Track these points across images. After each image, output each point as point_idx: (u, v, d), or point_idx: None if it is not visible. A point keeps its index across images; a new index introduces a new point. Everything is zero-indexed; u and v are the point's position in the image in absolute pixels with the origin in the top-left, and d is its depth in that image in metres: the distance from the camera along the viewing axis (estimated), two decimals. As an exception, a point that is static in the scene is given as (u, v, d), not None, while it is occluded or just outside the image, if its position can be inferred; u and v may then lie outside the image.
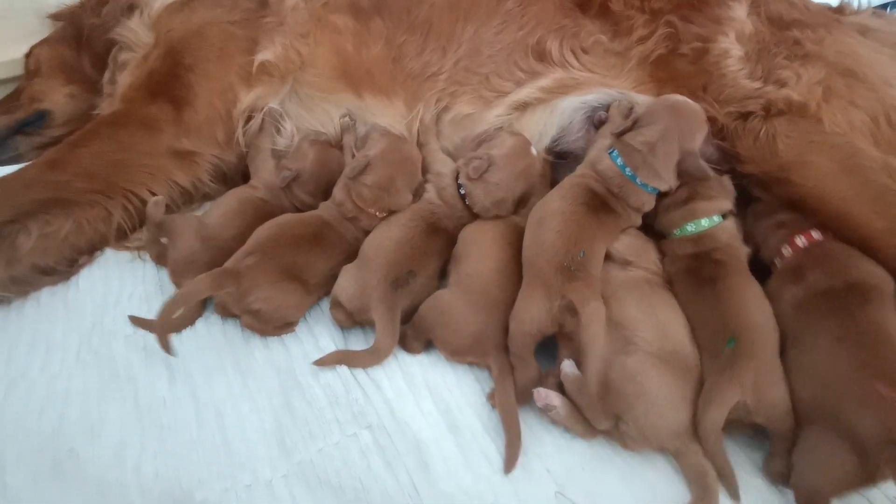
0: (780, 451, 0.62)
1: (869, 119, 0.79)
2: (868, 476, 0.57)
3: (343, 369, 0.77)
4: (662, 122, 0.77)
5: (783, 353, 0.66)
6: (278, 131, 1.07)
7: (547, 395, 0.67)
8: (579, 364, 0.68)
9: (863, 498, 0.62)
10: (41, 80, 1.26)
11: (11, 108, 1.25)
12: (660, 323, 0.67)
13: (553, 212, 0.74)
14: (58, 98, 1.25)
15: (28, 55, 1.31)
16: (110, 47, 1.21)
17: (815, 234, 0.75)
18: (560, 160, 0.98)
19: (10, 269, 0.89)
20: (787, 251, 0.74)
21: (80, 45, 1.25)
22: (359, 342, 0.83)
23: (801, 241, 0.74)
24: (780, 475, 0.62)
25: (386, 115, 1.05)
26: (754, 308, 0.66)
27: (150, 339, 0.81)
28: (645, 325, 0.66)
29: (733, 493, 0.61)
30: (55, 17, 1.33)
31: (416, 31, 1.07)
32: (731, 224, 0.77)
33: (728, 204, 0.79)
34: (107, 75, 1.21)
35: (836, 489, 0.59)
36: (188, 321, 0.85)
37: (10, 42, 1.41)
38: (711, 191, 0.78)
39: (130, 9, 1.23)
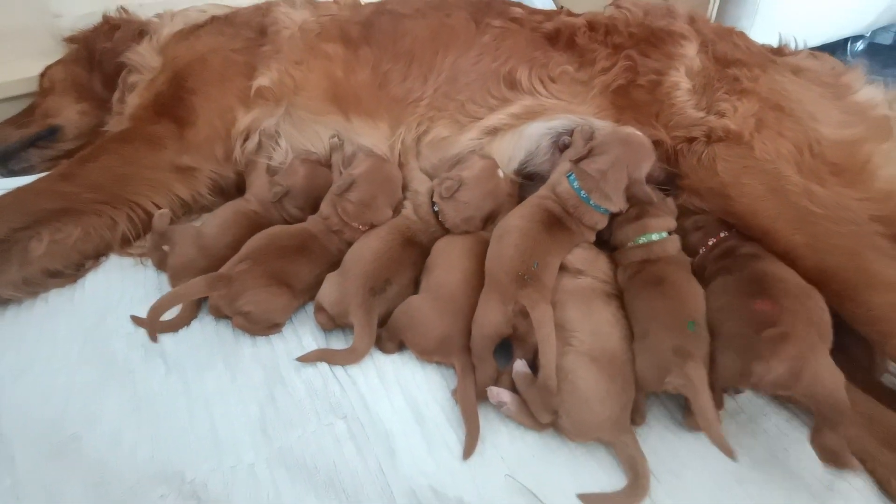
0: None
1: (794, 148, 0.88)
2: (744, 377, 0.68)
3: (323, 366, 0.85)
4: (614, 152, 0.86)
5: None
6: (274, 149, 1.16)
7: (498, 393, 0.75)
8: (530, 363, 0.77)
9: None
10: (55, 98, 1.35)
11: (26, 122, 1.34)
12: (594, 325, 0.75)
13: (512, 228, 0.83)
14: (70, 115, 1.34)
15: (43, 74, 1.40)
16: (120, 69, 1.30)
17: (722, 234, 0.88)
18: (528, 181, 1.06)
19: (23, 272, 0.97)
20: (701, 249, 0.88)
21: (92, 66, 1.34)
22: (339, 342, 0.90)
23: (712, 241, 0.88)
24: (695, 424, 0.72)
25: (371, 136, 1.12)
26: (700, 299, 0.76)
27: (150, 336, 0.89)
28: (582, 327, 0.74)
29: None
30: (70, 40, 1.42)
31: (400, 60, 1.15)
32: (675, 238, 0.86)
33: (672, 222, 0.88)
34: (116, 95, 1.30)
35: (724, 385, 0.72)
36: (184, 321, 0.92)
37: (26, 60, 1.50)
38: (659, 210, 0.87)
39: (140, 35, 1.34)
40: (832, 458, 0.68)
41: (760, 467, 0.73)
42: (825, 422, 0.67)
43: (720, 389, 0.73)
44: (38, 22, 1.52)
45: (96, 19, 1.47)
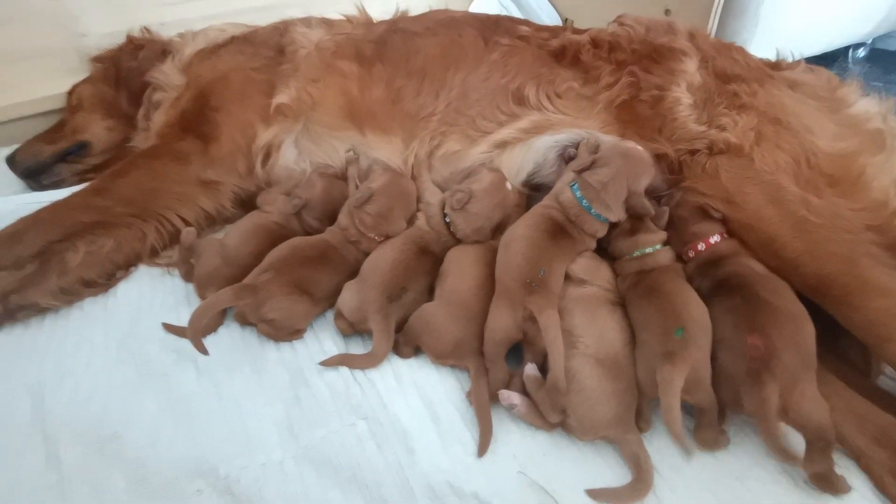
0: (707, 422, 0.75)
1: (792, 160, 0.92)
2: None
3: (344, 369, 0.90)
4: (615, 165, 0.91)
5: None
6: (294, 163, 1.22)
7: (509, 396, 0.79)
8: (540, 366, 0.81)
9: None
10: (83, 115, 1.42)
11: (55, 138, 1.40)
12: (599, 331, 0.79)
13: (519, 237, 0.88)
14: (97, 131, 1.40)
15: (71, 92, 1.47)
16: (145, 87, 1.37)
17: (712, 240, 0.91)
18: (535, 192, 1.10)
19: (60, 281, 1.02)
20: (691, 253, 0.92)
21: (118, 84, 1.40)
22: (358, 347, 0.96)
23: (701, 246, 0.91)
24: (706, 442, 0.75)
25: (385, 151, 1.18)
26: (695, 307, 0.80)
27: (180, 341, 0.95)
28: (587, 333, 0.79)
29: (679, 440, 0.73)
30: (97, 59, 1.49)
31: (412, 77, 1.20)
32: (667, 249, 0.91)
33: (664, 235, 0.93)
34: (141, 111, 1.36)
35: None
36: (212, 328, 0.97)
37: (54, 78, 1.58)
38: (652, 225, 0.92)
39: (164, 54, 1.40)
40: (823, 483, 0.72)
41: (760, 464, 0.77)
42: (813, 448, 0.70)
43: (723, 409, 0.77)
44: (65, 41, 1.60)
45: (120, 38, 1.55)
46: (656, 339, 0.77)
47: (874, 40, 2.37)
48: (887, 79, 2.27)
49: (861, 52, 2.38)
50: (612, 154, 0.93)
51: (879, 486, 0.74)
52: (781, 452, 0.71)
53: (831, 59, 2.34)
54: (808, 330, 0.77)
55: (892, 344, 0.77)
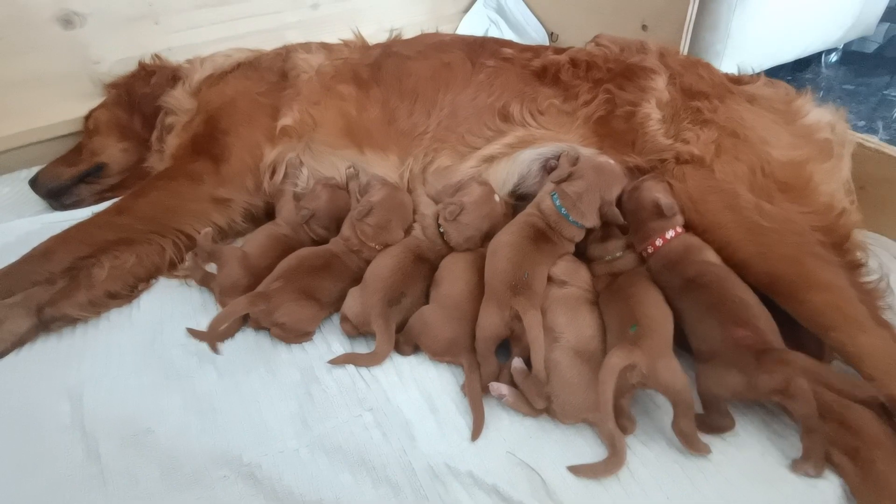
0: (682, 412, 0.82)
1: (748, 170, 1.02)
2: (751, 388, 0.81)
3: (350, 367, 0.99)
4: (589, 177, 1.01)
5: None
6: (298, 176, 1.31)
7: (498, 388, 0.89)
8: (526, 360, 0.91)
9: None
10: (99, 138, 1.51)
11: (75, 161, 1.49)
12: (579, 327, 0.89)
13: (504, 243, 0.98)
14: (113, 153, 1.50)
15: (88, 117, 1.57)
16: (157, 111, 1.46)
17: (669, 235, 0.99)
18: (520, 202, 1.20)
19: (88, 294, 1.11)
20: (650, 249, 1.00)
21: (132, 109, 1.50)
22: (362, 347, 1.05)
23: (658, 241, 1.00)
24: (685, 436, 0.83)
25: (383, 167, 1.27)
26: (650, 305, 0.90)
27: (201, 346, 1.04)
28: (568, 329, 0.89)
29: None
30: (111, 85, 1.59)
31: (406, 98, 1.30)
32: (630, 253, 1.01)
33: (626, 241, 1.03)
34: (155, 134, 1.46)
35: (729, 396, 0.84)
36: (231, 333, 1.07)
37: (69, 102, 1.68)
38: (618, 232, 1.03)
39: (174, 79, 1.50)
40: (813, 457, 0.80)
41: (722, 438, 0.86)
42: (807, 421, 0.80)
43: (724, 404, 0.85)
44: (79, 68, 1.71)
45: (130, 63, 1.65)
46: (615, 335, 0.87)
47: (846, 45, 2.48)
48: (858, 81, 2.38)
49: (833, 57, 2.49)
50: (586, 167, 1.03)
51: (825, 455, 0.84)
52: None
53: (805, 64, 2.45)
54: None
55: (835, 333, 0.86)
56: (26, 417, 0.93)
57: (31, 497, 0.82)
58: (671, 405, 0.83)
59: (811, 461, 0.79)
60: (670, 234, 0.99)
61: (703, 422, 0.85)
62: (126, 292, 1.18)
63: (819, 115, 1.15)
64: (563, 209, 1.00)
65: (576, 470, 0.83)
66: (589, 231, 1.02)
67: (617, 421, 0.84)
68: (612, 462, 0.82)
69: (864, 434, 0.79)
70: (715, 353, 0.85)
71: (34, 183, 1.47)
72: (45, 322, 1.08)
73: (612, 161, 1.07)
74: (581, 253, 1.07)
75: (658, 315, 0.88)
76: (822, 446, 0.80)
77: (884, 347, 0.82)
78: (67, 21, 1.63)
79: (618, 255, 0.99)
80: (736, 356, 0.83)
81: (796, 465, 0.81)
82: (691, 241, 0.99)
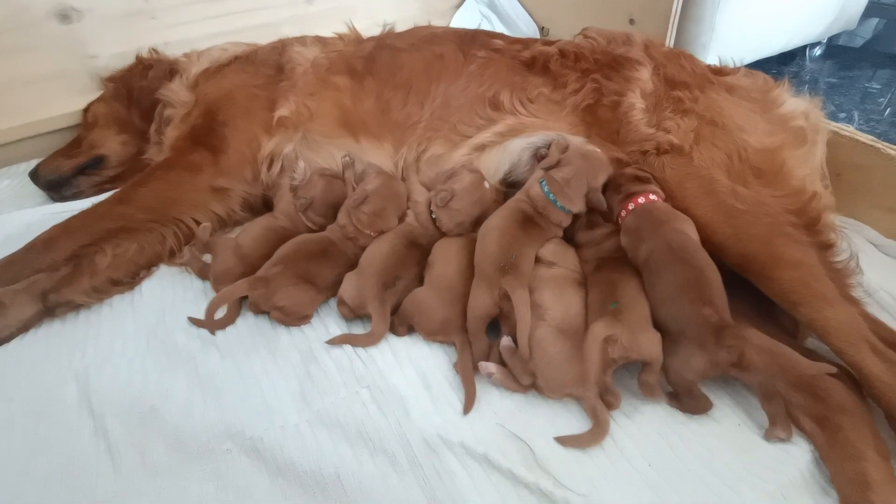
0: (652, 369, 0.87)
1: (725, 156, 1.07)
2: (712, 366, 0.85)
3: (347, 347, 1.03)
4: (576, 164, 1.06)
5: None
6: (294, 169, 1.35)
7: (486, 366, 0.93)
8: (514, 339, 0.95)
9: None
10: (98, 131, 1.53)
11: (74, 153, 1.51)
12: (565, 305, 0.94)
13: (493, 227, 1.02)
14: (112, 145, 1.52)
15: (86, 110, 1.59)
16: (155, 104, 1.48)
17: (641, 200, 1.03)
18: (511, 189, 1.24)
19: (92, 281, 1.15)
20: (623, 213, 1.04)
21: (130, 102, 1.52)
22: (358, 329, 1.09)
23: (631, 205, 1.04)
24: (648, 386, 0.88)
25: (377, 156, 1.31)
26: (631, 287, 0.95)
27: (203, 330, 1.08)
28: (554, 307, 0.93)
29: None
30: (109, 79, 1.61)
31: (399, 89, 1.33)
32: (613, 239, 1.05)
33: (612, 228, 1.07)
34: (153, 126, 1.48)
35: (698, 377, 0.88)
36: (231, 320, 1.10)
37: (67, 97, 1.70)
38: (601, 220, 1.08)
39: (171, 73, 1.53)
40: (779, 422, 0.85)
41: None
42: (763, 389, 0.85)
43: (696, 387, 0.89)
44: (77, 63, 1.73)
45: (127, 58, 1.68)
46: (595, 311, 0.92)
47: (830, 38, 2.53)
48: (841, 74, 2.44)
49: (818, 51, 2.55)
50: (574, 155, 1.07)
51: (797, 424, 0.88)
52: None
53: (790, 57, 2.51)
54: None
55: (803, 307, 0.91)
56: (34, 400, 0.96)
57: (43, 475, 0.85)
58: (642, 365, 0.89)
59: (778, 425, 0.85)
60: (652, 196, 1.03)
61: (683, 405, 0.90)
62: (128, 279, 1.21)
63: (795, 104, 1.20)
64: (551, 195, 1.05)
65: (562, 440, 0.87)
66: (576, 218, 1.07)
67: (602, 397, 0.89)
68: (597, 433, 0.87)
69: (832, 402, 0.84)
70: (682, 332, 0.89)
71: (34, 175, 1.49)
72: (50, 308, 1.11)
73: (598, 150, 1.11)
74: (570, 240, 1.11)
75: (637, 295, 0.93)
76: (784, 409, 0.85)
77: (849, 321, 0.87)
78: (64, 16, 1.65)
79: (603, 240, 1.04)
80: (701, 335, 0.87)
81: (767, 433, 0.86)
82: (676, 211, 1.03)
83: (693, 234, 0.99)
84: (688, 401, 0.90)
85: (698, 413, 0.90)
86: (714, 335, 0.85)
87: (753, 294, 1.00)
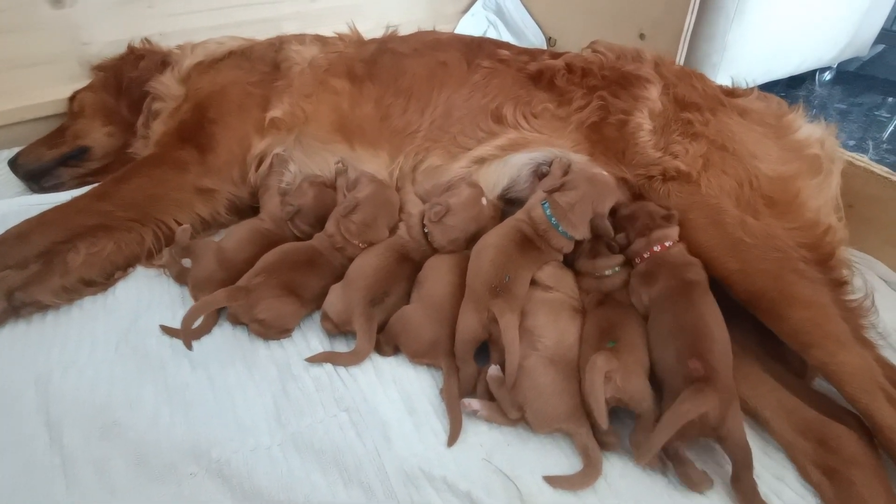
0: (642, 426, 0.82)
1: (735, 184, 1.01)
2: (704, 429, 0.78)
3: (328, 366, 0.97)
4: (582, 188, 0.99)
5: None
6: (284, 173, 1.30)
7: (470, 403, 0.87)
8: (503, 366, 0.90)
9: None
10: (84, 121, 1.48)
11: (57, 143, 1.45)
12: (559, 332, 0.88)
13: (489, 245, 0.96)
14: (97, 136, 1.46)
15: (73, 98, 1.53)
16: (145, 96, 1.43)
17: (657, 249, 0.97)
18: (509, 206, 1.19)
19: (63, 280, 1.09)
20: (648, 253, 0.98)
21: (118, 92, 1.46)
22: (341, 346, 1.03)
23: (662, 246, 0.98)
24: (637, 447, 0.81)
25: (373, 164, 1.25)
26: (632, 327, 0.89)
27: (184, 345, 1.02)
28: (548, 333, 0.87)
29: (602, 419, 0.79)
30: (98, 67, 1.56)
31: (400, 96, 1.28)
32: (621, 274, 1.00)
33: (619, 259, 1.01)
34: (141, 119, 1.43)
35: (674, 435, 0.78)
36: (207, 329, 1.04)
37: (57, 84, 1.64)
38: (606, 251, 1.02)
39: (163, 65, 1.47)
40: (749, 498, 0.77)
41: (698, 457, 0.86)
42: (739, 465, 0.77)
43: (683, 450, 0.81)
44: (69, 49, 1.67)
45: (121, 47, 1.62)
46: (592, 346, 0.86)
47: (840, 64, 2.50)
48: (850, 101, 2.40)
49: (827, 76, 2.51)
50: (580, 178, 1.02)
51: (803, 474, 0.83)
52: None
53: (800, 82, 2.48)
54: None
55: (815, 350, 0.86)
56: (-9, 403, 0.90)
57: (-7, 484, 0.79)
58: (635, 417, 0.83)
59: None
60: (668, 243, 0.98)
61: (680, 473, 0.82)
62: (102, 280, 1.15)
63: (810, 130, 1.15)
64: (553, 219, 0.99)
65: (552, 481, 0.81)
66: (578, 244, 1.01)
67: (599, 437, 0.83)
68: (588, 473, 0.81)
69: (844, 453, 0.78)
70: (663, 381, 0.83)
71: (13, 164, 1.43)
72: (16, 307, 1.05)
73: (605, 173, 1.06)
74: (570, 265, 1.05)
75: (638, 340, 0.87)
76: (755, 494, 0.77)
77: (863, 365, 0.82)
78: (58, 0, 1.59)
79: (607, 273, 0.98)
80: (680, 390, 0.79)
81: None
82: (690, 256, 0.98)
83: (702, 277, 0.94)
84: (679, 468, 0.81)
85: (695, 490, 0.80)
86: (695, 388, 0.77)
87: (759, 327, 0.95)
